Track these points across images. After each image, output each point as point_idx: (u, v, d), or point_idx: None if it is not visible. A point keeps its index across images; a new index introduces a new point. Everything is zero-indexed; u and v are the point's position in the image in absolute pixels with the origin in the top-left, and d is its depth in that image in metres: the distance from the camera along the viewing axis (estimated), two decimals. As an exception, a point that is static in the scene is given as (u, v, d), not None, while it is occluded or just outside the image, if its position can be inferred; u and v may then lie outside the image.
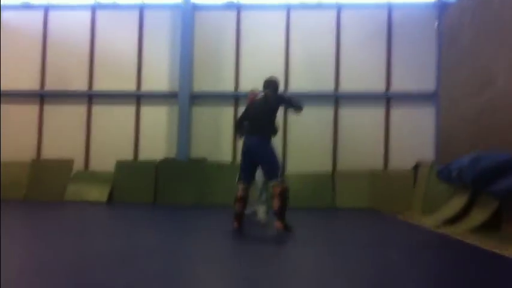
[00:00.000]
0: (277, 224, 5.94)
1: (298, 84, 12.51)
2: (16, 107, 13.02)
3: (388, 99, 12.36)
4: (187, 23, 12.55)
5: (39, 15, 13.24)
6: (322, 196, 11.49)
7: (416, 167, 11.14)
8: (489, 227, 6.87)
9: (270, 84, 6.72)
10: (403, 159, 11.77)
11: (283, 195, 5.99)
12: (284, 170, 6.54)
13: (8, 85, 12.87)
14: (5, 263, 3.82)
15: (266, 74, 11.98)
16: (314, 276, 3.80)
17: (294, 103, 6.57)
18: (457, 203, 7.89)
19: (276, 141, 11.80)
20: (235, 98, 12.57)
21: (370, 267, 4.27)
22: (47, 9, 13.27)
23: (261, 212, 7.11)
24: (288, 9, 12.73)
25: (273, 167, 6.14)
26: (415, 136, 12.12)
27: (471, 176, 7.40)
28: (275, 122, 6.63)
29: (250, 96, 7.49)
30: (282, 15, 12.73)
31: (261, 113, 6.41)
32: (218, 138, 12.54)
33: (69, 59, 13.06)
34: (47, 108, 13.05)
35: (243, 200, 6.32)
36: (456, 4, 10.79)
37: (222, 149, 12.45)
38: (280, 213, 5.94)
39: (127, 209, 10.04)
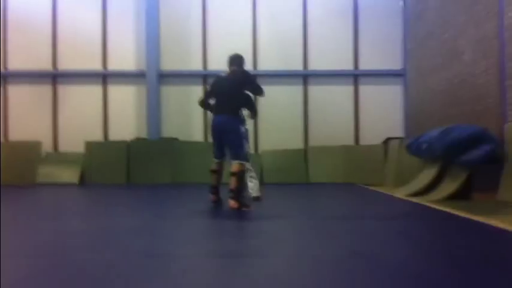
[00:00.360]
0: (231, 203, 5.94)
1: (266, 63, 12.53)
2: (-23, 88, 12.57)
3: (356, 77, 12.54)
4: (152, 1, 12.31)
5: (-2, -6, 12.74)
6: (295, 172, 11.63)
7: (386, 142, 11.39)
8: (459, 197, 7.12)
9: (235, 60, 6.56)
10: (374, 134, 12.00)
11: (239, 175, 6.08)
12: (249, 154, 6.48)
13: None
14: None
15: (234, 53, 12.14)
16: (291, 247, 3.85)
17: (255, 90, 6.53)
18: (428, 174, 8.11)
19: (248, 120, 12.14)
20: (203, 77, 12.47)
21: (348, 237, 4.33)
22: (6, -13, 12.78)
23: (251, 187, 7.02)
24: (255, -12, 12.68)
25: (237, 149, 6.18)
26: (385, 112, 12.38)
27: (441, 148, 7.62)
28: (249, 100, 6.65)
29: None
30: (248, -4, 12.67)
31: (228, 91, 6.30)
32: (188, 117, 12.42)
33: (31, 39, 12.63)
34: (11, 88, 12.63)
35: (217, 173, 6.48)
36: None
37: (192, 127, 12.38)
38: (236, 193, 5.98)
39: (100, 190, 9.91)
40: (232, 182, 6.01)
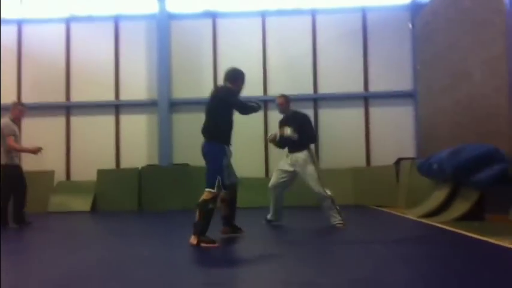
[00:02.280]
0: (192, 238, 5.16)
1: (276, 88, 12.57)
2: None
3: (366, 99, 12.55)
4: (163, 32, 12.58)
5: (13, 30, 13.11)
6: (305, 194, 11.50)
7: (398, 163, 11.30)
8: (472, 217, 7.01)
9: (227, 74, 5.82)
10: (385, 156, 11.95)
11: (200, 206, 5.25)
12: (221, 181, 5.35)
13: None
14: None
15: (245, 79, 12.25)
16: (289, 273, 3.83)
17: (237, 106, 5.55)
18: (440, 195, 8.02)
19: (259, 145, 12.20)
20: (214, 104, 12.55)
21: (353, 263, 4.30)
22: (20, 23, 13.15)
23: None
24: (263, 15, 12.85)
25: (207, 175, 5.45)
26: (396, 133, 12.35)
27: (451, 169, 7.54)
28: (227, 123, 5.65)
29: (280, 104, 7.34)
30: (258, 21, 12.85)
31: (207, 112, 5.65)
32: (199, 143, 12.42)
33: (45, 72, 12.95)
34: (25, 121, 12.84)
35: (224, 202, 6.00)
36: (429, 4, 11.07)
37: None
38: (195, 226, 5.19)
39: (111, 218, 9.94)
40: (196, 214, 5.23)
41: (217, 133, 5.55)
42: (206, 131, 5.57)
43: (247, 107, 5.60)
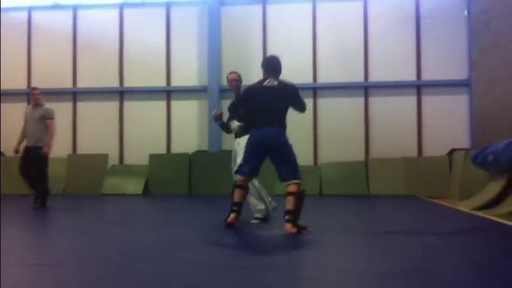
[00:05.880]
0: (288, 227, 5.18)
1: (327, 76, 12.51)
2: (50, 104, 13.21)
3: (419, 87, 12.26)
4: (214, 18, 12.67)
5: (68, 15, 13.50)
6: (356, 184, 11.45)
7: (451, 154, 11.02)
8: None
9: (277, 67, 5.71)
10: (437, 146, 11.64)
11: (300, 197, 5.32)
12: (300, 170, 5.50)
13: (40, 84, 13.16)
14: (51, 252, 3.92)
15: (294, 67, 12.26)
16: (345, 262, 3.86)
17: (300, 106, 5.71)
18: (494, 187, 7.78)
19: (307, 133, 12.18)
20: (264, 89, 12.58)
21: (406, 253, 4.26)
22: (75, 8, 13.51)
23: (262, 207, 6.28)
24: (314, 1, 12.69)
25: (292, 166, 5.44)
26: (450, 123, 12.00)
27: (507, 161, 7.31)
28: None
29: (234, 80, 6.63)
30: (308, 7, 12.71)
31: (277, 102, 5.54)
32: (249, 130, 12.54)
33: (99, 57, 13.31)
34: (80, 105, 13.33)
35: (244, 189, 5.66)
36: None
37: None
38: (295, 215, 5.25)
39: (163, 200, 10.23)
40: (290, 204, 5.24)
41: (285, 123, 5.62)
42: (280, 121, 5.56)
43: (306, 107, 5.80)
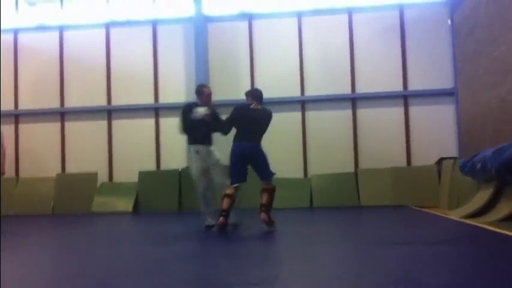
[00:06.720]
0: (263, 216, 6.73)
1: (314, 88, 12.58)
2: (38, 125, 13.31)
3: (405, 97, 12.36)
4: (200, 35, 12.70)
5: (54, 36, 13.51)
6: (346, 195, 11.48)
7: (439, 162, 11.09)
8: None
9: (260, 96, 7.31)
10: (426, 155, 11.71)
11: (273, 191, 6.95)
12: (273, 173, 7.14)
13: (28, 105, 13.23)
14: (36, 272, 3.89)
15: (281, 81, 12.33)
16: (335, 273, 3.84)
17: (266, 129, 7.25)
18: (484, 195, 7.83)
19: (296, 145, 12.22)
20: (252, 105, 12.63)
21: (395, 263, 4.26)
22: (61, 29, 13.52)
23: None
24: (299, 15, 12.80)
25: (268, 170, 7.05)
26: (437, 132, 12.08)
27: (496, 167, 7.35)
28: None
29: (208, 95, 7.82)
30: (294, 21, 12.79)
31: (260, 123, 7.10)
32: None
33: (87, 77, 13.31)
34: (68, 125, 13.28)
35: (232, 198, 6.84)
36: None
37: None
38: (267, 207, 6.82)
39: (153, 218, 10.15)
40: (264, 198, 6.85)
41: (261, 138, 7.17)
42: (258, 137, 7.09)
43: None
